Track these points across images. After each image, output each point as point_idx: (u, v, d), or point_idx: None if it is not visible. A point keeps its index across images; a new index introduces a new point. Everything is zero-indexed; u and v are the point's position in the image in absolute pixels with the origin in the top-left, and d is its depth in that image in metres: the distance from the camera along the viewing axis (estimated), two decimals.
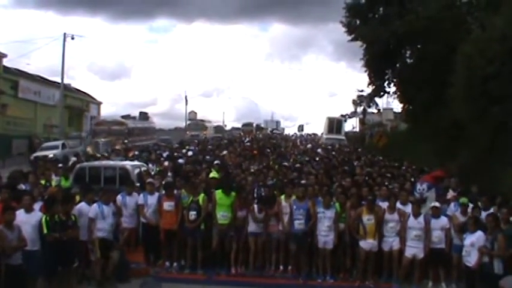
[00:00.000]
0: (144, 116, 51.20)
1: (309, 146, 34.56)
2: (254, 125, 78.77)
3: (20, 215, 9.25)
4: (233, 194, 11.88)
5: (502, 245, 9.11)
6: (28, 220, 9.27)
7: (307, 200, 11.68)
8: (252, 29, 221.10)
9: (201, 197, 11.89)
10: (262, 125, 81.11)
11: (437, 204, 11.25)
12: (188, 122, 72.67)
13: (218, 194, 11.83)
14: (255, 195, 12.79)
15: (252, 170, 17.03)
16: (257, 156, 23.71)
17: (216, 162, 18.43)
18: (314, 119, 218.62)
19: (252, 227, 11.71)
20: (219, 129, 71.24)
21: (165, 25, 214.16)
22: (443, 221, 10.94)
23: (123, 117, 45.08)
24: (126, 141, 35.98)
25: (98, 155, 25.25)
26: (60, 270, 9.53)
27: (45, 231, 9.18)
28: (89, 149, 32.33)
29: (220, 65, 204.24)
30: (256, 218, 11.72)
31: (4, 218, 8.84)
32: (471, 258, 9.56)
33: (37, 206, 10.00)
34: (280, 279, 11.39)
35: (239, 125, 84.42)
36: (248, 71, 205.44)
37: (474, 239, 9.58)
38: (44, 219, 9.26)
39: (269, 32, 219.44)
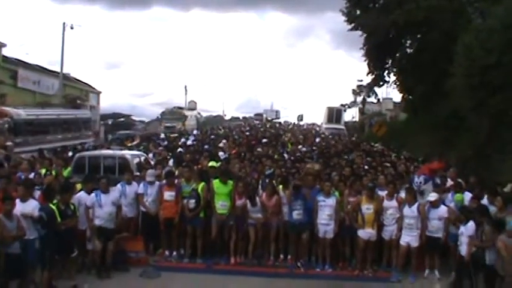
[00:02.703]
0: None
1: (309, 135, 34.61)
2: (264, 116, 79.70)
3: (17, 204, 9.28)
4: (231, 182, 11.87)
5: (488, 237, 9.20)
6: (24, 209, 9.31)
7: (305, 190, 11.66)
8: (250, 17, 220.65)
9: (200, 185, 11.89)
10: (263, 114, 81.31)
11: (434, 195, 11.21)
12: (162, 111, 58.51)
13: (215, 183, 11.82)
14: (260, 186, 12.84)
15: (252, 159, 17.01)
16: (255, 145, 23.70)
17: (221, 154, 18.47)
18: (314, 108, 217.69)
19: (251, 217, 11.71)
20: (206, 120, 64.78)
21: (164, 13, 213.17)
22: (442, 210, 10.95)
23: (41, 104, 35.79)
24: (9, 143, 22.96)
25: None
26: (59, 259, 9.60)
27: (58, 219, 9.31)
28: None
29: (219, 54, 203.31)
30: (250, 211, 11.71)
31: (3, 208, 8.87)
32: (463, 248, 9.67)
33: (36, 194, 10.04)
34: (279, 269, 11.42)
35: (239, 115, 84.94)
36: (247, 60, 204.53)
37: (464, 229, 9.71)
38: (55, 208, 9.34)
39: (266, 20, 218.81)
